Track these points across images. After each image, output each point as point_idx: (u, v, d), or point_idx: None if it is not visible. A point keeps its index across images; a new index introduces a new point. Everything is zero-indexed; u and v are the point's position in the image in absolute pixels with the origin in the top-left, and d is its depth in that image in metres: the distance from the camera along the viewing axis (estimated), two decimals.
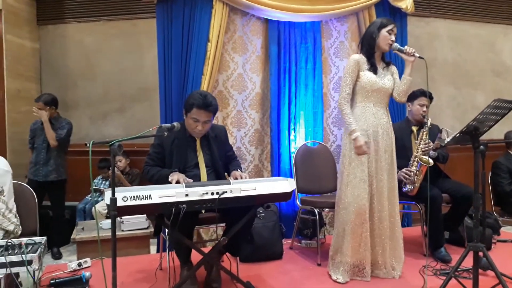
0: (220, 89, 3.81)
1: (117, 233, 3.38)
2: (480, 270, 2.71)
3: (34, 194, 3.01)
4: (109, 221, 3.55)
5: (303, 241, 3.64)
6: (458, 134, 2.26)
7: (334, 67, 4.11)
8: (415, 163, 3.27)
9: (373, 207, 2.77)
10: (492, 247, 3.46)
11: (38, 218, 2.97)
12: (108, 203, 1.97)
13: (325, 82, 4.09)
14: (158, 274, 2.86)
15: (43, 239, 2.80)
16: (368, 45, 2.87)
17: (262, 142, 3.96)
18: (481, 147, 2.51)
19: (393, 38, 2.81)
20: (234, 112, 3.84)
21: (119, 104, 4.99)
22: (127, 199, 2.03)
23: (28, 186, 3.05)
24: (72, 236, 3.35)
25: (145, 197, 2.06)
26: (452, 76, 5.33)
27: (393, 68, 2.98)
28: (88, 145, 1.83)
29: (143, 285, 2.72)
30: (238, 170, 2.67)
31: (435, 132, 3.48)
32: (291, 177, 3.67)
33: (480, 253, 2.33)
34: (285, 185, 2.33)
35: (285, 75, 3.94)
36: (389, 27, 2.82)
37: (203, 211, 2.61)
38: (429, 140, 3.31)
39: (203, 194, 2.14)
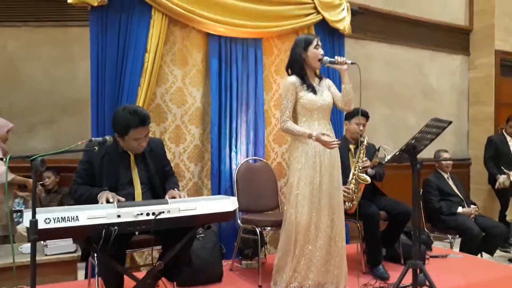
0: (158, 103, 3.63)
1: (40, 258, 3.12)
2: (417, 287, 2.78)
3: None
4: (29, 245, 3.21)
5: (243, 262, 3.52)
6: (397, 153, 2.30)
7: (275, 84, 4.10)
8: (354, 181, 3.31)
9: (319, 225, 2.73)
10: (426, 262, 3.57)
11: None
12: (28, 225, 1.74)
13: (266, 99, 4.06)
14: None
15: None
16: (298, 67, 2.84)
17: (202, 159, 3.82)
18: (418, 165, 2.59)
19: (321, 51, 2.82)
20: (173, 127, 3.68)
21: (48, 116, 4.61)
22: (50, 221, 1.81)
23: None
24: None
25: (71, 218, 1.85)
26: (386, 97, 5.57)
27: (327, 81, 2.99)
28: (4, 160, 1.61)
29: None
30: (176, 189, 2.51)
31: (371, 150, 3.57)
32: (232, 194, 3.56)
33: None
34: (227, 204, 2.22)
35: (226, 91, 3.84)
36: (315, 42, 2.81)
37: (136, 233, 2.42)
38: (366, 158, 3.37)
39: (138, 214, 1.97)
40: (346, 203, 3.25)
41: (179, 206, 2.07)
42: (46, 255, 3.11)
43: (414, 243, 2.34)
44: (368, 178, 3.29)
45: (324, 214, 2.73)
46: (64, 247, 3.14)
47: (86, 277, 3.17)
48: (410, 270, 2.44)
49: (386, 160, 2.39)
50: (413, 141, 2.28)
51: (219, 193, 3.76)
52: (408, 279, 2.50)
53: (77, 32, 4.51)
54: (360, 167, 3.33)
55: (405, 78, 5.72)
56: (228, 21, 3.68)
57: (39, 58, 4.61)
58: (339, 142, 2.75)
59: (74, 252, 3.18)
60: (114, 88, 3.40)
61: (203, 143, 3.82)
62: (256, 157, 3.88)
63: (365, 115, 3.59)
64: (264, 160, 3.88)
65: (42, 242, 3.19)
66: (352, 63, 2.82)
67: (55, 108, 4.60)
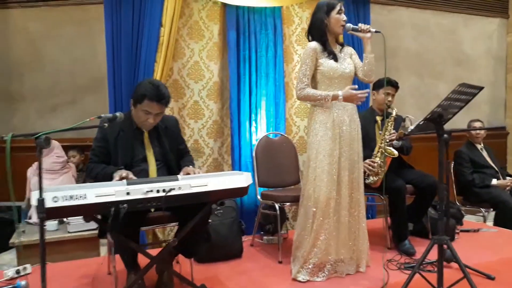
0: (175, 78, 3.57)
1: (63, 235, 3.18)
2: (445, 263, 2.65)
3: None
4: (54, 222, 3.28)
5: (264, 237, 3.47)
6: (422, 122, 2.13)
7: (296, 55, 3.95)
8: (379, 154, 3.17)
9: (339, 200, 2.62)
10: (456, 237, 3.41)
11: None
12: (35, 204, 1.72)
13: (286, 71, 3.92)
14: (107, 278, 2.63)
15: None
16: (319, 33, 2.69)
17: (221, 134, 3.76)
18: (445, 135, 2.42)
19: (344, 17, 2.65)
20: (191, 103, 3.62)
21: (70, 96, 4.64)
22: (57, 199, 1.78)
23: None
24: (11, 241, 3.05)
25: (79, 196, 1.82)
26: (415, 65, 5.30)
27: (349, 49, 2.83)
28: (5, 138, 1.57)
29: None
30: (190, 166, 2.45)
31: (399, 122, 3.39)
32: (252, 170, 3.49)
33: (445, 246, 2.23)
34: (240, 179, 2.13)
35: (245, 63, 3.73)
36: (338, 7, 2.65)
37: (152, 210, 2.40)
38: (394, 131, 3.21)
39: (147, 192, 1.92)
40: (371, 177, 3.13)
41: (190, 182, 2.01)
42: (68, 232, 3.15)
43: (440, 218, 2.20)
44: (395, 152, 3.14)
45: (344, 189, 2.62)
46: (86, 224, 3.17)
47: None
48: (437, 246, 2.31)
49: (409, 130, 2.23)
50: (439, 109, 2.10)
51: (239, 169, 3.71)
52: (434, 255, 2.37)
53: (96, 10, 4.45)
54: (387, 140, 3.17)
55: (436, 45, 5.40)
56: None
57: (59, 38, 4.61)
58: (367, 91, 2.59)
59: (96, 229, 3.21)
60: (130, 64, 3.37)
61: (222, 119, 3.75)
62: (276, 132, 3.77)
63: (394, 85, 3.42)
64: (285, 135, 3.76)
65: (65, 219, 3.25)
66: (376, 32, 2.65)
67: (77, 87, 4.61)
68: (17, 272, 2.72)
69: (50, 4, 4.63)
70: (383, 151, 3.14)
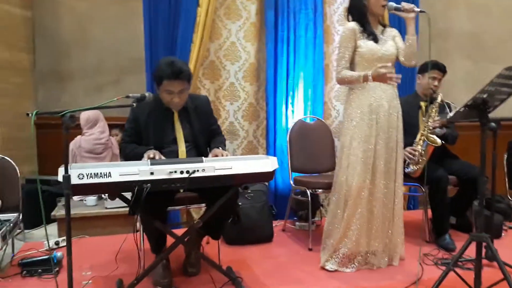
0: (211, 59, 3.54)
1: (100, 211, 3.29)
2: (487, 261, 2.48)
3: (16, 167, 2.84)
4: (93, 197, 3.40)
5: (297, 223, 3.42)
6: (462, 108, 1.96)
7: (337, 36, 3.77)
8: (421, 142, 3.00)
9: (372, 190, 2.51)
10: (503, 234, 3.18)
11: (20, 193, 2.81)
12: (61, 180, 1.77)
13: (327, 53, 3.77)
14: (137, 255, 2.68)
15: (13, 216, 2.66)
16: (359, 13, 2.55)
17: (257, 117, 3.70)
18: (492, 124, 2.23)
19: None
20: (227, 84, 3.58)
21: (114, 76, 4.75)
22: (83, 176, 1.81)
23: (10, 160, 2.88)
24: (53, 213, 3.20)
25: (104, 175, 1.84)
26: (469, 48, 4.93)
27: (393, 31, 2.66)
28: (30, 115, 1.61)
29: (113, 267, 2.57)
30: (220, 147, 2.42)
31: (444, 109, 3.17)
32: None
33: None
34: (265, 164, 2.08)
35: (283, 44, 3.63)
36: None
37: (181, 190, 2.40)
38: (439, 118, 3.01)
39: (171, 172, 1.92)
40: (411, 165, 2.98)
41: (214, 165, 1.98)
42: (106, 208, 3.26)
43: (479, 213, 2.03)
44: (438, 140, 2.95)
45: (379, 178, 2.49)
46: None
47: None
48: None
49: (448, 116, 2.05)
50: (484, 95, 1.92)
51: (274, 153, 3.66)
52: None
53: None
54: (430, 128, 2.99)
55: (494, 26, 4.98)
56: None
57: (104, 18, 4.71)
58: (399, 77, 2.41)
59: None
60: (167, 45, 3.38)
61: (258, 101, 3.69)
62: (312, 116, 3.66)
63: (442, 69, 3.21)
64: (321, 119, 3.64)
65: (103, 195, 3.36)
66: (421, 11, 2.46)
67: (120, 67, 4.72)
68: (56, 243, 2.86)
69: None
70: (425, 139, 2.96)
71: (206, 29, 3.34)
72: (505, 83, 1.89)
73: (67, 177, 1.74)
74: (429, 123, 3.01)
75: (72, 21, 4.75)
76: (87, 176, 1.82)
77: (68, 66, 4.79)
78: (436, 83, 3.18)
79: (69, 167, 1.75)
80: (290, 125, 3.63)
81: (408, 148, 2.98)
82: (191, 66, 3.25)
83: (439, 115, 3.06)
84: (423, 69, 3.19)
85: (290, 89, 3.69)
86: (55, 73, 4.54)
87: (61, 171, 1.78)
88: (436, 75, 3.18)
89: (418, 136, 3.03)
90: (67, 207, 1.78)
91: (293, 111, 3.71)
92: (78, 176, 1.80)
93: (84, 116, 3.66)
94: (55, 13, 4.77)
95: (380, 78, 2.41)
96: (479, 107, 1.94)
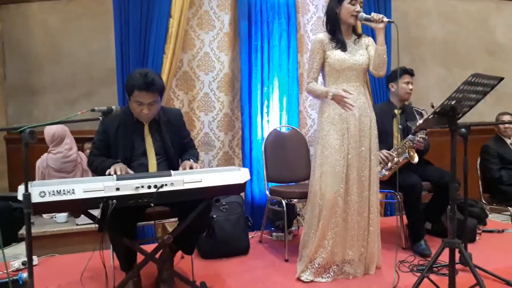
0: (185, 70, 3.51)
1: (71, 228, 3.18)
2: (462, 266, 2.49)
3: None
4: (64, 214, 3.29)
5: (274, 234, 3.38)
6: (431, 116, 1.97)
7: (311, 45, 3.79)
8: (401, 150, 3.01)
9: (347, 199, 2.49)
10: (477, 238, 3.21)
11: None
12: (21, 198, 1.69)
13: (301, 62, 3.78)
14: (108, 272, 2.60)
15: None
16: (331, 22, 2.57)
17: (232, 128, 3.67)
18: (462, 129, 2.25)
19: (357, 8, 2.49)
20: (201, 95, 3.54)
21: (87, 88, 4.66)
22: (45, 194, 1.75)
23: None
24: (20, 232, 3.08)
25: (67, 191, 1.78)
26: (442, 55, 5.02)
27: (367, 40, 2.66)
28: None
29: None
30: (191, 160, 2.37)
31: (414, 116, 3.20)
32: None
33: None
34: (237, 175, 2.04)
35: (257, 54, 3.63)
36: None
37: (152, 205, 2.34)
38: (426, 137, 3.04)
39: (137, 187, 1.87)
40: (382, 169, 2.97)
41: (183, 178, 1.94)
42: (77, 224, 3.16)
43: (451, 219, 2.04)
44: (416, 159, 2.99)
45: (352, 187, 2.48)
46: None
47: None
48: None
49: (417, 124, 2.05)
50: (452, 101, 1.93)
51: (250, 163, 3.62)
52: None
53: (111, 3, 4.45)
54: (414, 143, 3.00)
55: (465, 34, 5.09)
56: None
57: (77, 31, 4.63)
58: (352, 105, 2.36)
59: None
60: (139, 56, 3.34)
61: (233, 111, 3.66)
62: (286, 125, 3.65)
63: (411, 73, 3.30)
64: (296, 128, 3.63)
65: None
66: (389, 22, 2.48)
67: (93, 80, 4.63)
68: (23, 263, 2.75)
69: None
70: (407, 151, 2.98)
71: (178, 40, 3.31)
72: (473, 90, 1.91)
73: (27, 196, 1.67)
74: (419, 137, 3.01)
75: (43, 34, 4.66)
76: (49, 193, 1.76)
77: (39, 79, 4.68)
78: (411, 86, 3.24)
79: (29, 184, 1.68)
80: (266, 135, 3.61)
81: (384, 151, 2.99)
82: (164, 77, 3.21)
83: (410, 122, 3.08)
84: (393, 77, 3.21)
85: (265, 99, 3.68)
86: (26, 86, 4.44)
87: (20, 189, 1.71)
88: (408, 79, 3.25)
89: (401, 144, 3.04)
90: (28, 227, 1.70)
91: (268, 121, 3.69)
92: (40, 194, 1.74)
93: (49, 132, 3.48)
94: (25, 25, 4.67)
95: (337, 100, 2.40)
96: (448, 114, 1.96)
